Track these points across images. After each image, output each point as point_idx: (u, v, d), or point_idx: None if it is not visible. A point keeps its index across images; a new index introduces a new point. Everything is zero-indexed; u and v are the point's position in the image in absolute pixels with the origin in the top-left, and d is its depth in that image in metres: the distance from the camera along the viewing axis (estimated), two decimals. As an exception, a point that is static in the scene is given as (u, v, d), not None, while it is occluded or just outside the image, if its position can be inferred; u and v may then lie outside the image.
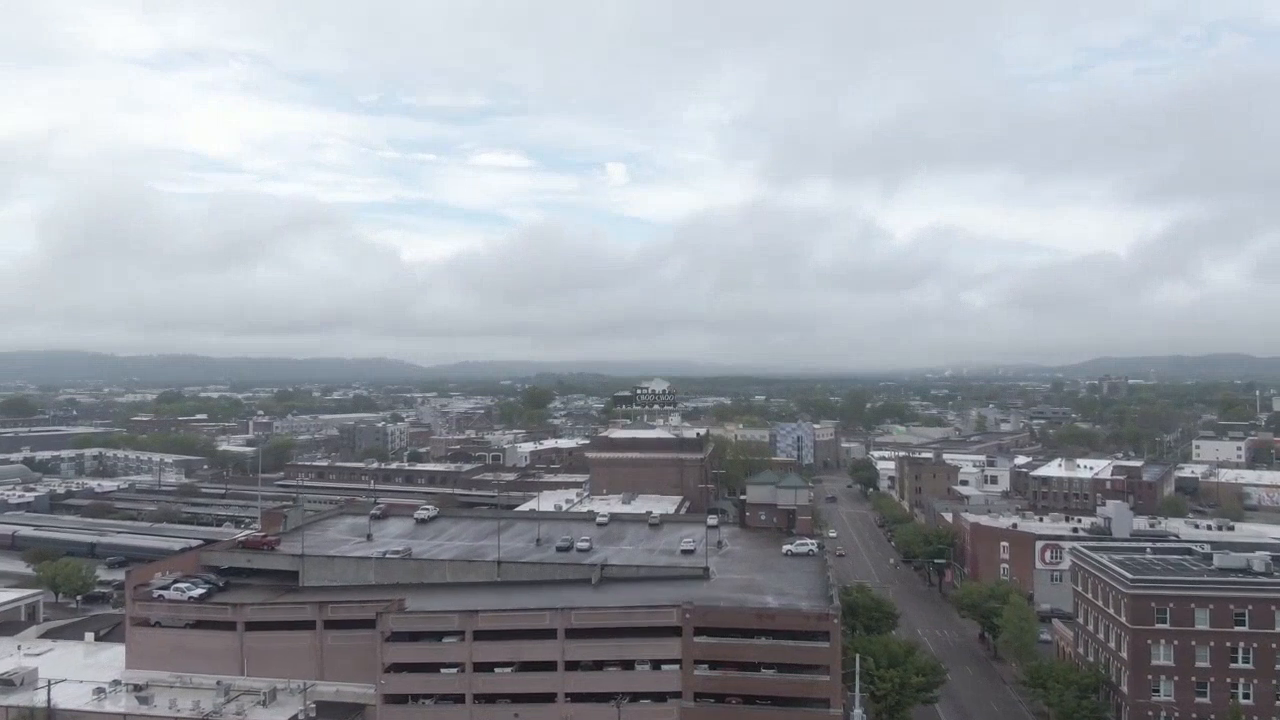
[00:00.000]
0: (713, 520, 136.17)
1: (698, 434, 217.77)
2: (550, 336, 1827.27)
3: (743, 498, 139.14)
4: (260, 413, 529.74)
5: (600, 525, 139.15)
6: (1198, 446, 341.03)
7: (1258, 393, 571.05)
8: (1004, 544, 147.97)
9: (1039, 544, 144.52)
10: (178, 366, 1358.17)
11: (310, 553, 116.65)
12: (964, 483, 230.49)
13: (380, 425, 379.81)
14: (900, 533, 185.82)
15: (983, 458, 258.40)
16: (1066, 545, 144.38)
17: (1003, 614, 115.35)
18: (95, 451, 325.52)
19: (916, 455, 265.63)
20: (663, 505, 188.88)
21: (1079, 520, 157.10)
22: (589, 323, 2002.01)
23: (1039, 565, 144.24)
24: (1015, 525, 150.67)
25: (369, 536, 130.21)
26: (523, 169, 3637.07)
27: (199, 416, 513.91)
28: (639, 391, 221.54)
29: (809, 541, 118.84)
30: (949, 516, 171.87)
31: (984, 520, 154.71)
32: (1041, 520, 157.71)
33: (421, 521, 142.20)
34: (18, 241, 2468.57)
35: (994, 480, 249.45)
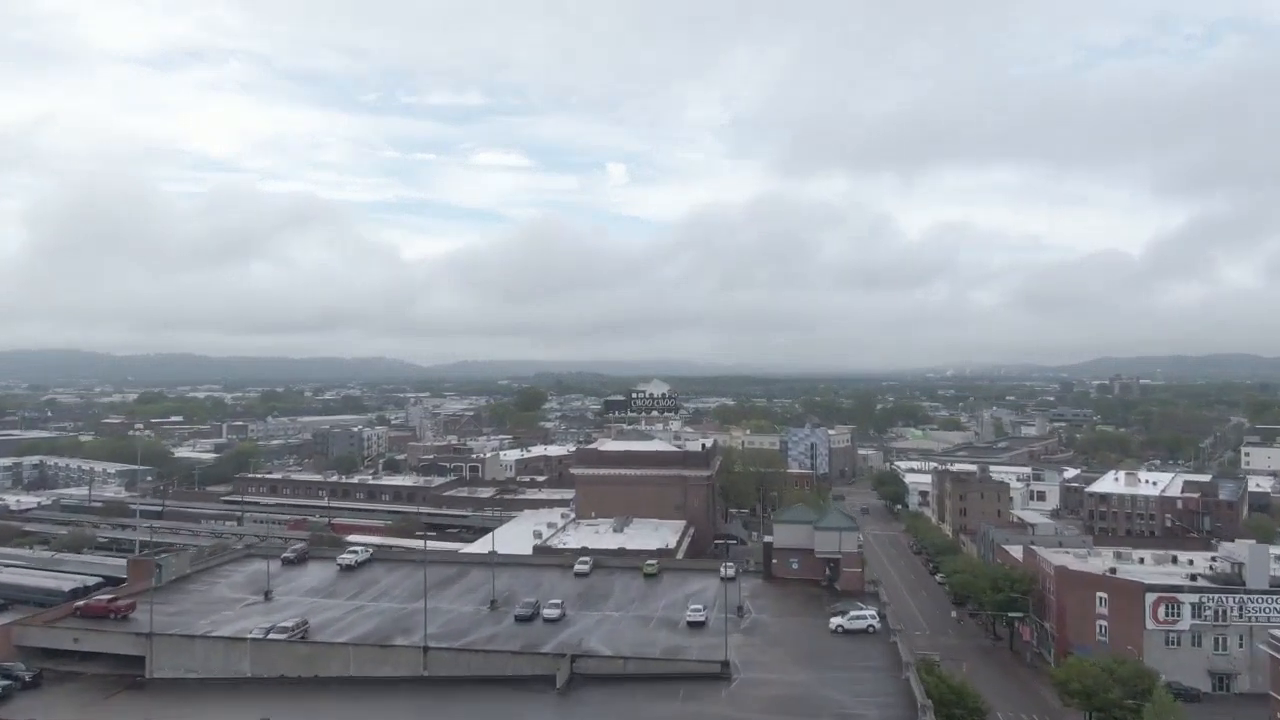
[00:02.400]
0: (729, 569, 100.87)
1: (703, 445, 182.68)
2: (550, 336, 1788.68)
3: (767, 540, 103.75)
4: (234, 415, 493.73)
5: (579, 576, 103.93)
6: (1247, 454, 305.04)
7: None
8: (1101, 594, 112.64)
9: (1150, 596, 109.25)
10: (174, 366, 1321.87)
11: (167, 628, 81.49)
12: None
13: (356, 430, 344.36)
14: (950, 567, 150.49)
15: (1026, 469, 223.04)
16: (1187, 599, 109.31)
17: (1141, 712, 79.95)
18: (36, 460, 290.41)
19: (952, 467, 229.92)
20: (662, 532, 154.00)
21: (1189, 561, 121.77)
22: (589, 322, 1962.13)
23: (1151, 624, 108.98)
24: (1115, 570, 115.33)
25: (267, 595, 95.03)
26: (523, 169, 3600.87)
27: (173, 418, 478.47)
28: (635, 395, 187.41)
29: (866, 611, 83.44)
30: (1015, 551, 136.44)
31: (1071, 562, 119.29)
32: (1142, 562, 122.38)
33: (347, 568, 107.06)
34: (13, 240, 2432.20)
35: (1041, 496, 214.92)
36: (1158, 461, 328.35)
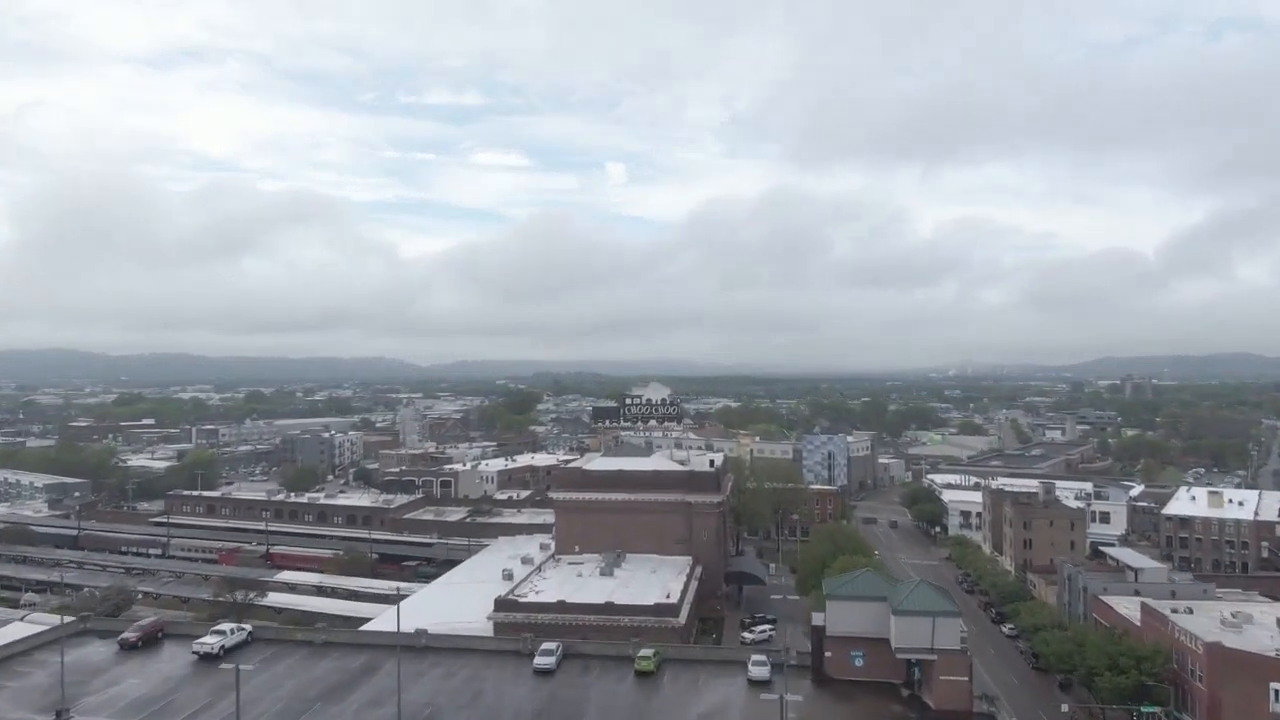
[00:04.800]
0: (761, 667, 67.15)
1: (711, 462, 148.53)
2: (550, 336, 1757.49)
3: (818, 622, 69.33)
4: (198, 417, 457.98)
5: (540, 673, 69.99)
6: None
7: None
8: (1277, 686, 78.62)
9: (1355, 694, 75.09)
10: (171, 366, 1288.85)
11: None
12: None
13: (327, 435, 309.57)
14: (1027, 621, 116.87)
15: (1085, 485, 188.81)
16: None
17: None
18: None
19: (994, 482, 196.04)
20: (662, 575, 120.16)
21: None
22: (589, 322, 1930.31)
23: (1356, 734, 74.74)
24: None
25: (59, 716, 61.09)
26: (522, 168, 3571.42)
27: (145, 421, 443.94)
28: (630, 401, 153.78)
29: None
30: (1121, 606, 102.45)
31: (1224, 636, 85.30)
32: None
33: (207, 657, 72.92)
34: (9, 240, 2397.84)
35: (1104, 518, 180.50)
36: (1201, 470, 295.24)
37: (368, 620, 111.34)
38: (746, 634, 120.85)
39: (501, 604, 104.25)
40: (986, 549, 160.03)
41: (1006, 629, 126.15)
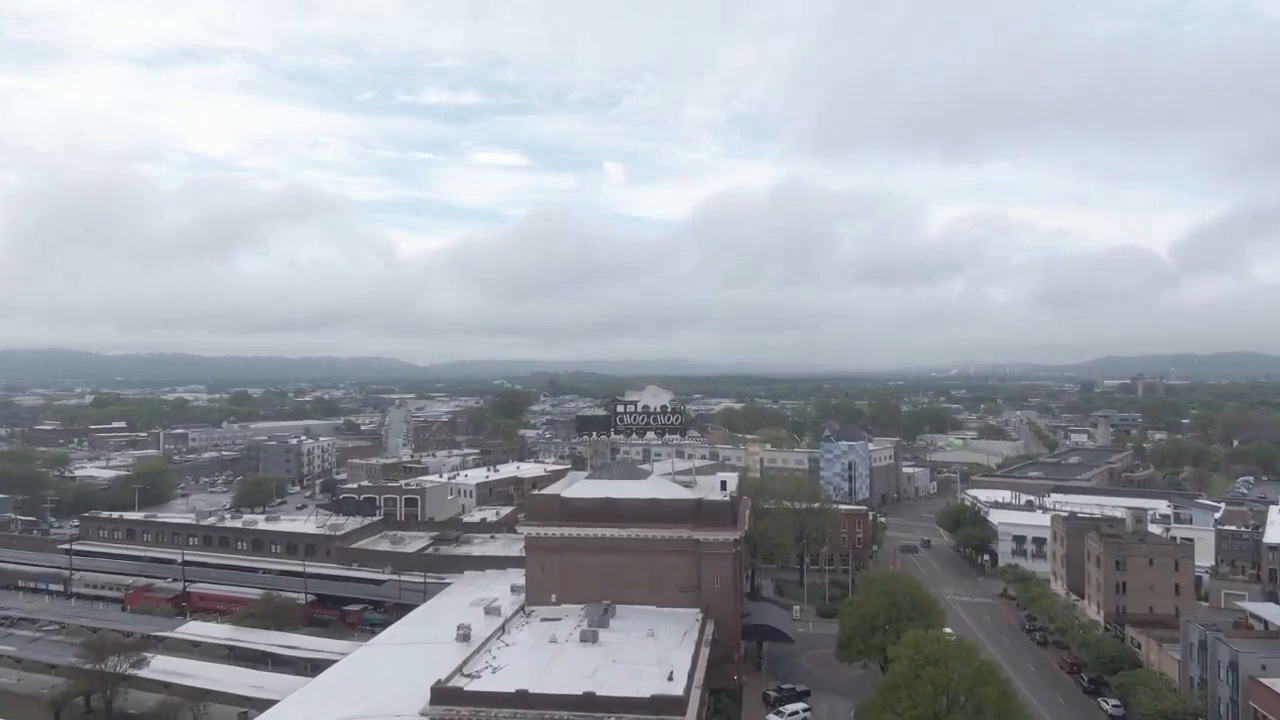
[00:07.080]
0: None
1: (724, 485, 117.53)
2: (549, 335, 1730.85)
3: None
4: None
5: None
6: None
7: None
8: None
9: None
10: (167, 365, 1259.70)
11: None
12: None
13: (294, 442, 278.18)
14: (1146, 700, 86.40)
15: (1160, 506, 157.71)
16: None
17: None
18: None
19: (1049, 501, 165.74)
20: (663, 641, 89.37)
21: None
22: (589, 321, 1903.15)
23: None
24: None
25: None
26: (521, 168, 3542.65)
27: (116, 425, 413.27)
28: (624, 409, 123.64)
29: None
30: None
31: None
32: None
33: None
34: (4, 237, 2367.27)
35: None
36: (1250, 478, 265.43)
37: (274, 704, 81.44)
38: (774, 716, 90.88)
39: (441, 694, 73.79)
40: (1059, 588, 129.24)
41: (1110, 706, 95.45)
